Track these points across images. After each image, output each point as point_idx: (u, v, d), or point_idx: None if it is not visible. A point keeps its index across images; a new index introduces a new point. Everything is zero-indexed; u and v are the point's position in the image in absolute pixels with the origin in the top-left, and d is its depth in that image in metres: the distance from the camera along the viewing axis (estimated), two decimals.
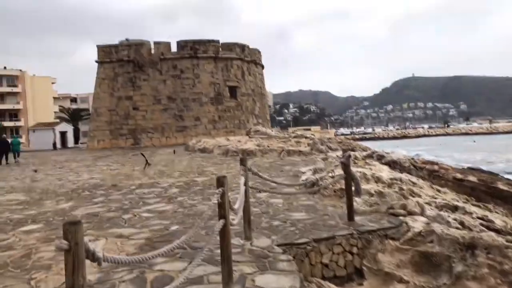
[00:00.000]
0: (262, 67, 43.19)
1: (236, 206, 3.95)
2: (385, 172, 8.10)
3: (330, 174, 6.61)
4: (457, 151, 52.29)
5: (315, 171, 8.67)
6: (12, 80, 65.57)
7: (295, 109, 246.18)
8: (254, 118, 38.34)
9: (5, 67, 67.00)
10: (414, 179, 8.03)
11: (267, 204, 6.69)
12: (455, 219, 5.09)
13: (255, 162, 13.59)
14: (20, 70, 66.89)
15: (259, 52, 41.88)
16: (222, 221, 3.51)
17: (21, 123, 64.01)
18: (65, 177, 12.83)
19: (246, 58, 38.37)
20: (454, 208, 5.92)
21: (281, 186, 6.78)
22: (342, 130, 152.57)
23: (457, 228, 4.73)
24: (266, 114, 43.16)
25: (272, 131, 31.12)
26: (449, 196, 7.64)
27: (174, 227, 5.47)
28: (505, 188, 9.58)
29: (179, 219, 5.97)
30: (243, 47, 38.25)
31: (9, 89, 64.74)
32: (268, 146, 17.41)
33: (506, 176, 23.00)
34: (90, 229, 5.52)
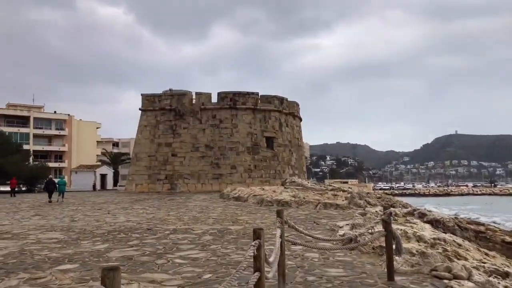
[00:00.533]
0: (300, 119, 43.65)
1: (271, 259, 3.86)
2: (428, 231, 7.69)
3: (369, 231, 6.36)
4: (506, 212, 49.16)
5: (353, 226, 8.38)
6: (60, 124, 69.76)
7: (332, 161, 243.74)
8: (290, 169, 38.20)
9: (55, 112, 71.68)
10: (459, 240, 7.55)
11: (302, 258, 6.48)
12: (506, 287, 4.69)
13: (290, 214, 13.35)
14: (68, 115, 71.23)
15: (297, 104, 42.55)
16: (257, 274, 3.42)
17: (64, 164, 67.10)
18: (103, 219, 13.11)
19: (284, 110, 39.01)
20: (505, 275, 5.47)
21: (317, 240, 6.58)
22: (381, 184, 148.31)
23: None
24: (303, 165, 42.94)
25: (308, 182, 30.74)
26: (499, 261, 7.08)
27: (206, 276, 5.38)
28: None
29: (212, 267, 5.87)
30: (281, 99, 39.04)
31: (56, 132, 68.74)
32: (304, 198, 17.11)
33: None
34: (124, 272, 5.51)
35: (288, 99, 40.21)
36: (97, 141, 75.18)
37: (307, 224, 10.55)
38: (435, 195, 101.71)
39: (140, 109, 37.59)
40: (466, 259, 6.14)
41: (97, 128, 76.43)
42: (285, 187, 24.56)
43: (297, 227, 5.03)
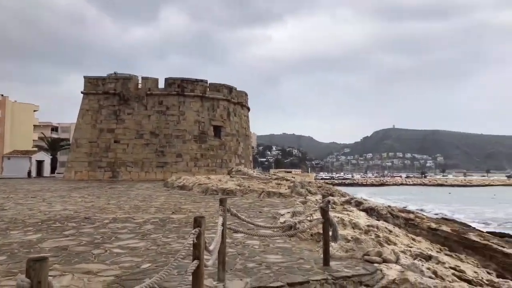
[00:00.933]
0: (248, 109, 43.86)
1: (211, 247, 3.90)
2: (362, 219, 8.13)
3: (308, 218, 6.59)
4: (433, 201, 53.22)
5: (293, 214, 8.64)
6: None
7: (278, 151, 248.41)
8: (236, 158, 38.38)
9: None
10: (390, 227, 8.07)
11: (243, 246, 6.59)
12: (428, 268, 5.10)
13: (234, 202, 13.47)
14: (2, 95, 65.93)
15: (246, 94, 42.69)
16: (196, 262, 3.45)
17: None
18: (37, 207, 12.41)
19: (233, 100, 38.97)
20: (428, 257, 5.94)
21: (258, 228, 6.73)
22: (322, 174, 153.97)
23: (430, 277, 4.74)
24: (249, 155, 43.29)
25: (253, 172, 31.10)
26: (424, 245, 7.67)
27: (145, 265, 5.31)
28: (476, 239, 9.73)
29: (152, 257, 5.80)
30: (230, 89, 38.94)
31: None
32: (249, 187, 17.32)
33: (478, 227, 23.57)
34: (57, 264, 5.30)
35: (237, 89, 40.20)
36: (34, 125, 70.44)
37: (250, 212, 10.71)
38: (372, 185, 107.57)
39: (82, 92, 35.75)
40: (395, 244, 6.58)
41: (34, 111, 71.50)
42: (231, 176, 24.68)
43: (239, 215, 5.11)
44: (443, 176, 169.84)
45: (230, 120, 38.37)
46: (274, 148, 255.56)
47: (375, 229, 7.23)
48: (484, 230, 19.88)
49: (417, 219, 11.09)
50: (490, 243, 10.39)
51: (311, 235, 6.75)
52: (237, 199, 15.06)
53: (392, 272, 4.76)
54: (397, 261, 5.26)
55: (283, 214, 9.16)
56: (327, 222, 5.40)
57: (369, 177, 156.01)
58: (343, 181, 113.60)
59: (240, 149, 39.48)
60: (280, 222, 7.85)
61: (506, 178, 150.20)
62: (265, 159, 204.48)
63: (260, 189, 16.52)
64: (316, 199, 11.48)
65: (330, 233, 5.46)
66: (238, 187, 17.28)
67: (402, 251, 5.88)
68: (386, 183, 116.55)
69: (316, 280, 4.49)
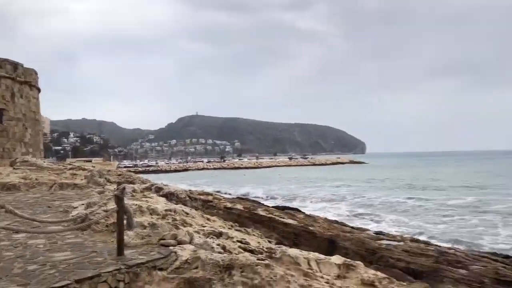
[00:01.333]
0: (38, 90, 38.30)
1: None
2: (161, 204, 8.26)
3: (103, 208, 6.27)
4: (230, 183, 58.58)
5: (88, 206, 8.08)
6: None
7: (76, 138, 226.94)
8: (23, 147, 33.21)
9: None
10: (187, 209, 8.46)
11: (24, 247, 5.80)
12: (218, 244, 5.58)
13: (17, 198, 11.72)
14: None
15: (35, 73, 37.08)
16: None
17: None
18: None
19: (19, 78, 33.30)
20: (219, 234, 6.50)
21: (45, 224, 6.04)
22: (126, 162, 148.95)
23: (219, 252, 5.19)
24: (39, 143, 38.09)
25: (44, 162, 27.63)
26: (217, 224, 8.35)
27: None
28: (263, 213, 11.19)
29: None
30: (15, 65, 33.12)
31: None
32: (37, 179, 15.32)
33: (266, 202, 27.23)
34: None
35: (24, 65, 34.54)
36: None
37: (37, 208, 9.51)
38: (176, 170, 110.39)
39: None
40: (191, 225, 6.94)
41: None
42: (14, 168, 21.33)
43: (16, 211, 4.46)
44: (239, 159, 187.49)
45: (15, 102, 32.83)
46: (71, 135, 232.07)
47: (173, 213, 7.45)
48: (271, 205, 23.00)
49: (215, 200, 11.97)
50: (274, 216, 12.09)
51: (107, 225, 6.47)
52: (21, 194, 13.14)
53: (185, 252, 5.01)
54: (191, 242, 5.56)
55: (77, 207, 8.48)
56: (121, 210, 5.26)
57: (173, 163, 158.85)
58: (147, 168, 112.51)
59: (27, 136, 34.34)
60: (72, 216, 7.23)
61: (288, 159, 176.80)
62: (61, 147, 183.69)
63: (51, 181, 14.83)
64: (114, 188, 11.04)
65: (125, 221, 5.35)
66: (23, 180, 15.08)
67: (196, 231, 6.25)
68: (189, 168, 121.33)
69: (108, 272, 4.33)
